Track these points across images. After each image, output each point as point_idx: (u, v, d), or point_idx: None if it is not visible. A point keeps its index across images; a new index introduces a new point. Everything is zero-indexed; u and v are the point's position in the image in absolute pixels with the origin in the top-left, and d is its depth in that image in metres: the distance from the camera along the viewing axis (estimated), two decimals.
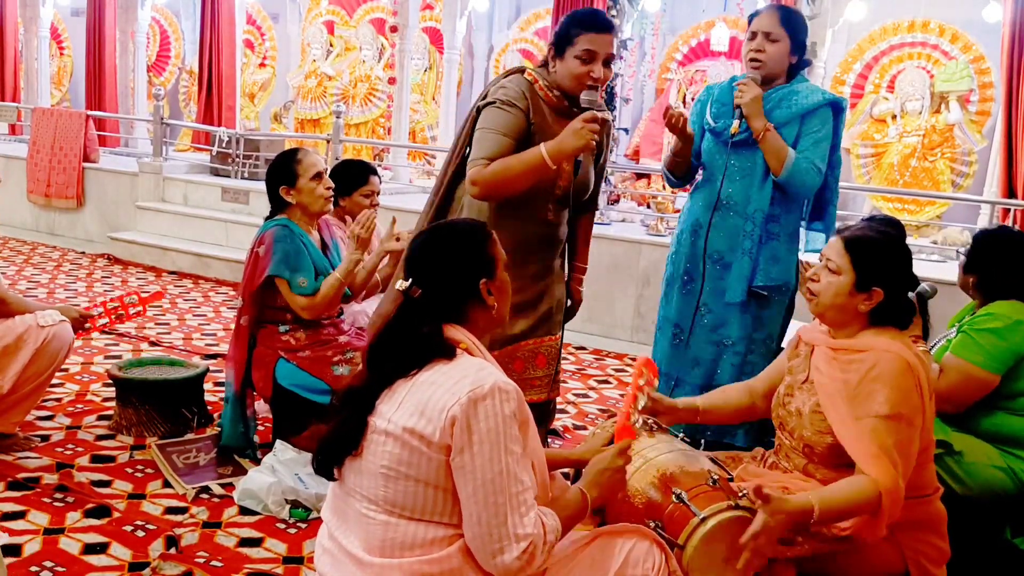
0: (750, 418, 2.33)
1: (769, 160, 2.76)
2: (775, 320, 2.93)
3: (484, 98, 2.54)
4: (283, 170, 3.05)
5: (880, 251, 1.99)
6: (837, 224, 2.66)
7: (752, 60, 2.78)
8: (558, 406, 2.92)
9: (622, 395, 3.32)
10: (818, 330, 2.15)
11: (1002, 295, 2.58)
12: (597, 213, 5.83)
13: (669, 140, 2.93)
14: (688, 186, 3.14)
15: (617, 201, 6.63)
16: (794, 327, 2.89)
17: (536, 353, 2.67)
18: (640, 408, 1.95)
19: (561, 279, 2.74)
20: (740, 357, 2.88)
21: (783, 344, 2.99)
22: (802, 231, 2.99)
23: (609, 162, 6.04)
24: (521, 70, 2.59)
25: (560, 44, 2.47)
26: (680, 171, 2.98)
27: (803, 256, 3.04)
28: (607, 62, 2.47)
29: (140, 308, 3.41)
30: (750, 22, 2.83)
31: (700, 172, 3.02)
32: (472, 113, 2.58)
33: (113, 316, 3.33)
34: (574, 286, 2.83)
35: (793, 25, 2.78)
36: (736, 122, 2.76)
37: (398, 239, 3.11)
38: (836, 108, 2.83)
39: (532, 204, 2.53)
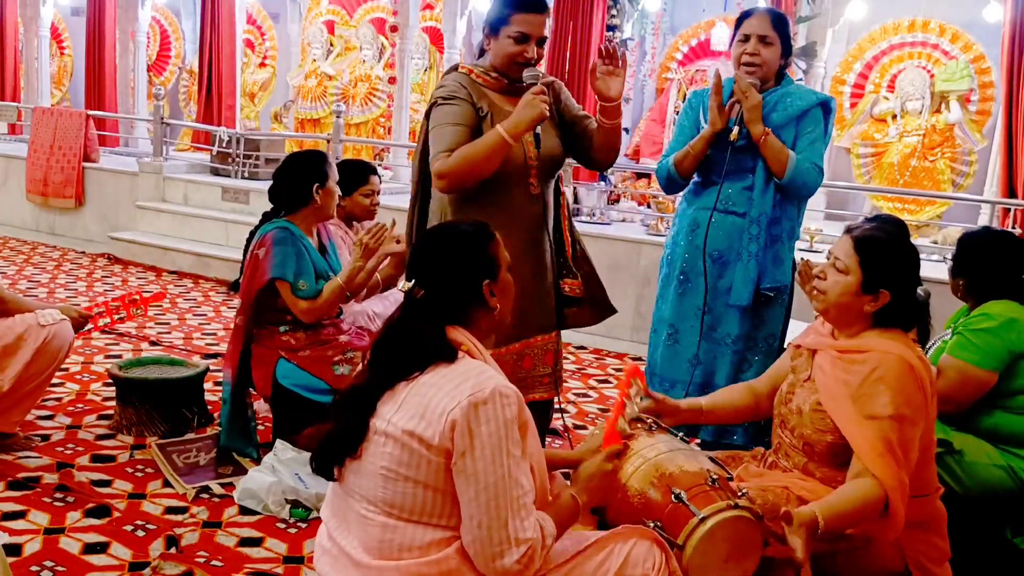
0: (754, 418, 2.33)
1: (771, 164, 2.78)
2: (777, 319, 2.94)
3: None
4: (318, 170, 3.08)
5: (890, 253, 1.97)
6: (845, 223, 2.67)
7: (748, 64, 2.80)
8: (558, 406, 2.91)
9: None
10: (819, 333, 2.14)
11: (993, 295, 2.58)
12: (597, 213, 5.87)
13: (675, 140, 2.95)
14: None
15: (617, 201, 6.63)
16: (796, 327, 2.90)
17: (545, 351, 2.73)
18: (628, 418, 1.95)
19: (548, 275, 2.73)
20: (739, 356, 2.89)
21: (785, 344, 2.99)
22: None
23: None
24: (455, 67, 2.67)
25: (495, 25, 2.53)
26: (691, 172, 2.95)
27: (801, 255, 3.05)
28: (540, 42, 2.54)
29: (142, 308, 3.40)
30: (739, 24, 2.86)
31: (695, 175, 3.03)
32: (424, 122, 2.65)
33: (115, 316, 3.33)
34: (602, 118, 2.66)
35: (783, 28, 2.83)
36: (736, 128, 2.77)
37: (398, 241, 3.12)
38: (826, 108, 2.88)
39: (511, 184, 2.58)
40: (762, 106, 2.77)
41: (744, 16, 2.85)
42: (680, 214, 3.03)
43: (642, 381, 2.03)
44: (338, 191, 3.17)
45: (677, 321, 2.96)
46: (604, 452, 1.81)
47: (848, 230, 2.05)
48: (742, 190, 2.84)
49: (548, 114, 2.48)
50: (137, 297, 3.45)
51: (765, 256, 2.83)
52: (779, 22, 2.81)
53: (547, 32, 2.58)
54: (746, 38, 2.80)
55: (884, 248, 1.97)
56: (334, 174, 3.13)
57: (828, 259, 2.05)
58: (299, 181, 3.06)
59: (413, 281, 1.71)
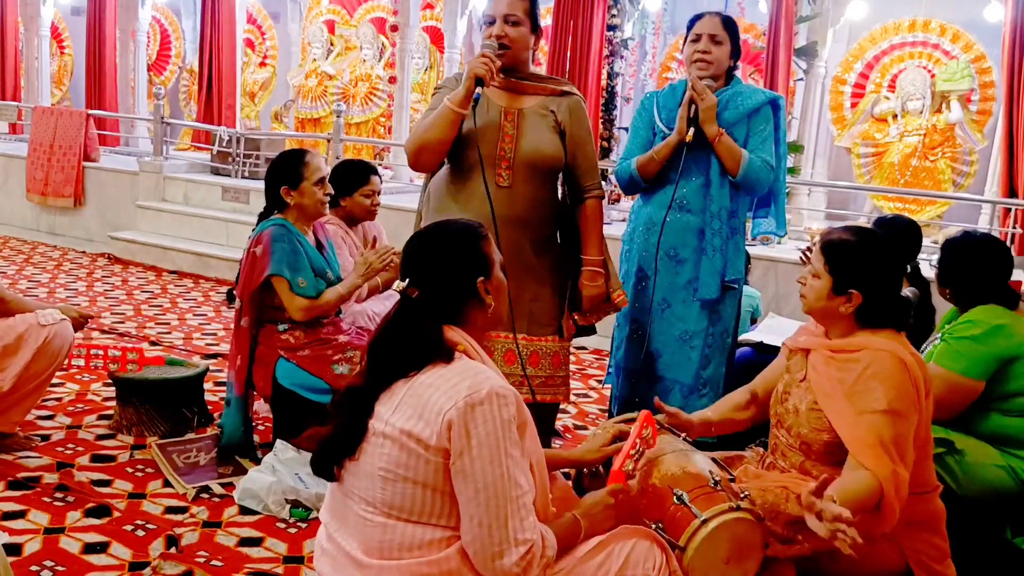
0: (756, 422, 2.33)
1: (725, 162, 2.88)
2: (730, 314, 3.04)
3: None
4: (288, 170, 3.04)
5: (855, 254, 2.00)
6: (845, 223, 2.70)
7: (699, 61, 2.88)
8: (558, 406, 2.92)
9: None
10: (812, 334, 2.16)
11: (979, 301, 2.57)
12: None
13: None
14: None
15: (618, 201, 6.62)
16: (793, 327, 2.91)
17: (539, 352, 2.70)
18: (636, 463, 1.92)
19: (542, 276, 2.73)
20: (699, 353, 2.98)
21: (736, 338, 3.14)
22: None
23: (610, 162, 6.04)
24: None
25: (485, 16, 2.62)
26: (654, 176, 3.00)
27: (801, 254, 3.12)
28: (511, 22, 2.59)
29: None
30: (690, 27, 2.94)
31: None
32: None
33: (108, 362, 3.31)
34: (581, 281, 2.77)
35: (733, 29, 2.93)
36: (691, 130, 2.84)
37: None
38: (775, 106, 2.98)
39: (478, 171, 2.58)
40: (716, 106, 2.85)
41: (695, 18, 2.95)
42: (636, 211, 3.12)
43: (653, 427, 2.00)
44: (320, 190, 3.05)
45: (640, 316, 3.04)
46: (608, 488, 1.78)
47: (822, 235, 2.10)
48: (698, 188, 2.93)
49: (484, 72, 2.48)
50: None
51: (727, 248, 2.93)
52: (729, 23, 2.92)
53: (514, 9, 2.59)
54: (697, 38, 2.90)
55: (849, 251, 2.01)
56: (313, 174, 3.02)
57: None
58: (269, 183, 3.07)
59: (408, 280, 1.70)
